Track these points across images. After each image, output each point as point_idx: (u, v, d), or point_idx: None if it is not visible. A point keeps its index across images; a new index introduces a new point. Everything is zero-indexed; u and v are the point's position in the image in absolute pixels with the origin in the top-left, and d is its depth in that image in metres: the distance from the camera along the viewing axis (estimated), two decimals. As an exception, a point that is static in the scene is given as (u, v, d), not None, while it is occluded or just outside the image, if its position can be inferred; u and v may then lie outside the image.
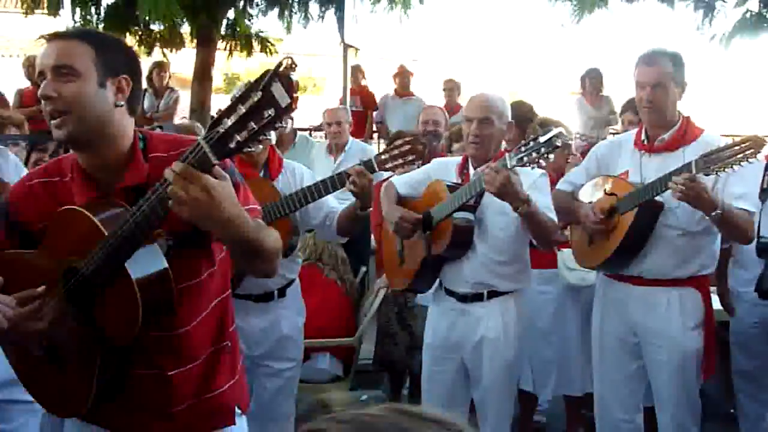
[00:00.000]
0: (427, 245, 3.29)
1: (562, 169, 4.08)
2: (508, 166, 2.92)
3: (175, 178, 1.61)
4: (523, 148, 2.91)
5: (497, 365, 3.28)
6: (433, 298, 3.51)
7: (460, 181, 3.32)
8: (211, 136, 1.57)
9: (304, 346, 3.50)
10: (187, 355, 2.00)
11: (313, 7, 9.36)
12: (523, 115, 4.14)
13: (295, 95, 1.52)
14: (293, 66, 1.52)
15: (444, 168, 3.43)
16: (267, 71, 1.52)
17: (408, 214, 3.29)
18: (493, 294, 3.28)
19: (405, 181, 3.45)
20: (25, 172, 2.75)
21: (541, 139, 2.86)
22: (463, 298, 3.32)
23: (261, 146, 1.60)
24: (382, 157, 3.09)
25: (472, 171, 3.32)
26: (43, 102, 1.83)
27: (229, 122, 1.53)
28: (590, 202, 3.30)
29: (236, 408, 2.12)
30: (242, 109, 1.52)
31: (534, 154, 2.87)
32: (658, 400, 3.30)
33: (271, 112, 1.51)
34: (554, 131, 2.88)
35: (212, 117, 1.63)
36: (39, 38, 1.89)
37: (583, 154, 4.91)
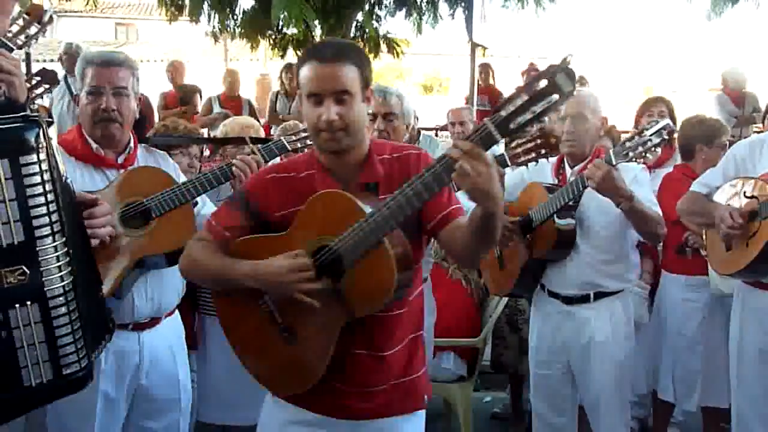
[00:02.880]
0: (529, 249, 3.24)
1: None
2: (613, 162, 2.88)
3: (463, 155, 1.79)
4: (627, 143, 2.86)
5: (607, 368, 3.21)
6: (534, 302, 3.46)
7: (556, 182, 3.27)
8: (494, 119, 1.78)
9: (429, 345, 3.51)
10: (398, 337, 2.18)
11: (442, 7, 9.37)
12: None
13: (576, 83, 1.75)
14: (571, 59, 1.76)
15: (539, 169, 3.37)
16: (552, 65, 1.75)
17: (505, 223, 3.21)
18: (600, 295, 3.23)
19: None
20: (182, 176, 2.95)
21: (647, 133, 2.81)
22: (569, 300, 3.26)
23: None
24: (515, 151, 3.05)
25: (569, 171, 3.28)
26: (322, 121, 2.04)
27: (511, 107, 1.75)
28: (728, 205, 3.14)
29: (424, 396, 2.29)
30: (525, 96, 1.74)
31: (640, 149, 2.83)
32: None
33: (555, 97, 1.73)
34: (661, 123, 2.82)
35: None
36: (309, 59, 2.08)
37: (724, 153, 4.67)
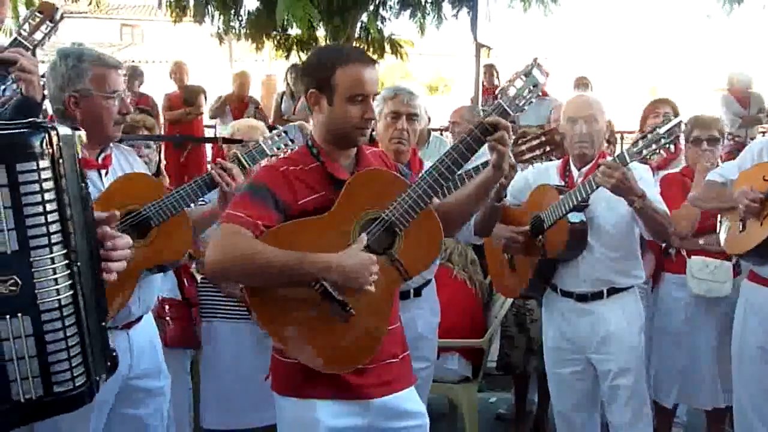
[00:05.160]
0: (542, 250, 3.25)
1: (695, 166, 3.91)
2: (627, 161, 2.91)
3: (500, 125, 2.24)
4: (640, 142, 2.89)
5: (626, 355, 3.24)
6: (544, 302, 3.46)
7: (563, 184, 3.29)
8: (506, 100, 2.30)
9: (434, 345, 3.50)
10: (396, 311, 2.44)
11: (446, 8, 9.37)
12: None
13: (548, 76, 2.34)
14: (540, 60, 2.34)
15: (544, 172, 3.39)
16: (528, 64, 2.34)
17: (514, 234, 3.26)
18: (612, 291, 3.26)
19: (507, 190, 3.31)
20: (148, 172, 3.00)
21: (661, 130, 2.85)
22: (583, 298, 3.27)
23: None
24: (520, 148, 3.05)
25: (575, 172, 3.29)
26: (365, 120, 2.29)
27: (513, 90, 2.30)
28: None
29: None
30: (518, 83, 2.32)
31: (653, 146, 2.87)
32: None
33: (532, 87, 2.30)
34: (675, 120, 2.87)
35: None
36: (352, 61, 2.26)
37: (728, 153, 4.67)
